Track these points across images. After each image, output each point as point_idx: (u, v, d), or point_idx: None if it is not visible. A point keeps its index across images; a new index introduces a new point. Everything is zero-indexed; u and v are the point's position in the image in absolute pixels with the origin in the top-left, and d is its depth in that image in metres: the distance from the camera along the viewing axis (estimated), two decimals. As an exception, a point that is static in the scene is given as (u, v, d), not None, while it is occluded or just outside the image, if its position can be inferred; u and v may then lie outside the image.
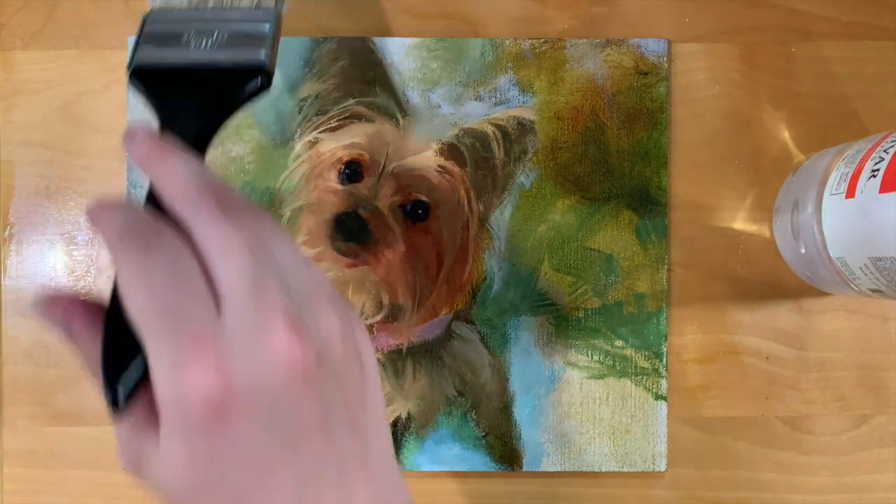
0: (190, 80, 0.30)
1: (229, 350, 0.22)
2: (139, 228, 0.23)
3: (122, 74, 0.42)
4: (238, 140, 0.41)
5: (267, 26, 0.31)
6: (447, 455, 0.41)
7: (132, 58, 0.30)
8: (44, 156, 0.42)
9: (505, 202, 0.41)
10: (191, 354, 0.22)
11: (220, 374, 0.22)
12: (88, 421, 0.42)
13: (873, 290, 0.35)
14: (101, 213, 0.24)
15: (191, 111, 0.29)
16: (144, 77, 0.30)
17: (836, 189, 0.35)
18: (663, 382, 0.41)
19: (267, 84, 0.30)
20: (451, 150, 0.41)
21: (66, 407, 0.42)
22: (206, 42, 0.30)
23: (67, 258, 0.42)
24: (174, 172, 0.24)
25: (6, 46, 0.42)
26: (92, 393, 0.42)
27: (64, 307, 0.25)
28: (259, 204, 0.27)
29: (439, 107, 0.41)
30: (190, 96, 0.29)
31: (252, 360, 0.22)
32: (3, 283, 0.42)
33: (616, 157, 0.41)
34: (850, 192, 0.34)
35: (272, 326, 0.22)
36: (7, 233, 0.42)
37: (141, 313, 0.23)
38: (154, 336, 0.22)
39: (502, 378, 0.41)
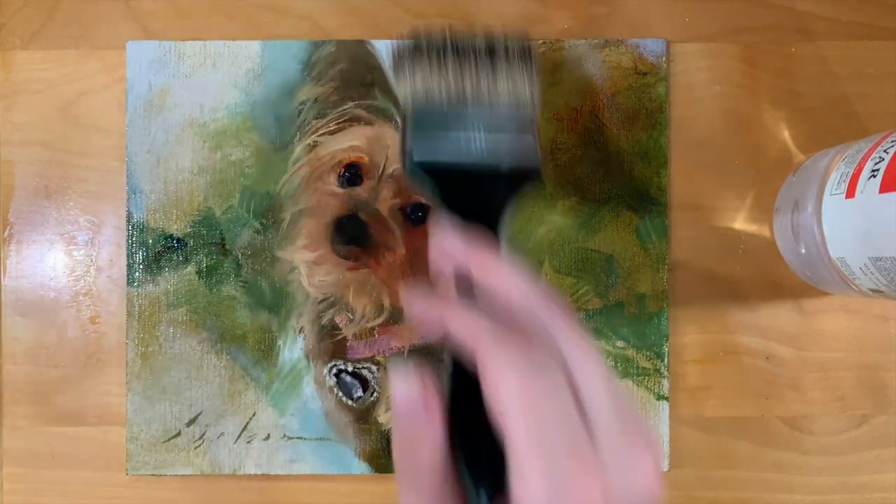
0: (467, 180, 0.31)
1: (606, 472, 0.24)
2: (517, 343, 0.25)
3: (122, 74, 0.42)
4: (237, 144, 0.41)
5: (534, 126, 0.32)
6: (448, 457, 0.41)
7: (410, 150, 0.31)
8: (44, 156, 0.42)
9: (505, 203, 0.41)
10: (578, 476, 0.24)
11: (604, 495, 0.24)
12: (88, 421, 0.42)
13: (873, 290, 0.35)
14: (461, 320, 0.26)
15: (470, 208, 0.30)
16: (424, 169, 0.31)
17: (836, 189, 0.35)
18: (665, 382, 0.41)
19: (540, 182, 0.32)
20: (450, 152, 0.41)
21: (66, 407, 0.42)
22: (479, 141, 0.31)
23: (67, 258, 0.42)
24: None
25: (6, 46, 0.42)
26: (92, 393, 0.42)
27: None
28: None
29: (439, 108, 0.41)
30: (467, 197, 0.30)
31: (624, 486, 0.24)
32: (3, 283, 0.42)
33: (616, 158, 0.41)
34: (850, 192, 0.34)
35: (641, 457, 0.25)
36: (7, 233, 0.42)
37: (529, 436, 0.24)
38: (538, 457, 0.24)
39: (503, 379, 0.41)
